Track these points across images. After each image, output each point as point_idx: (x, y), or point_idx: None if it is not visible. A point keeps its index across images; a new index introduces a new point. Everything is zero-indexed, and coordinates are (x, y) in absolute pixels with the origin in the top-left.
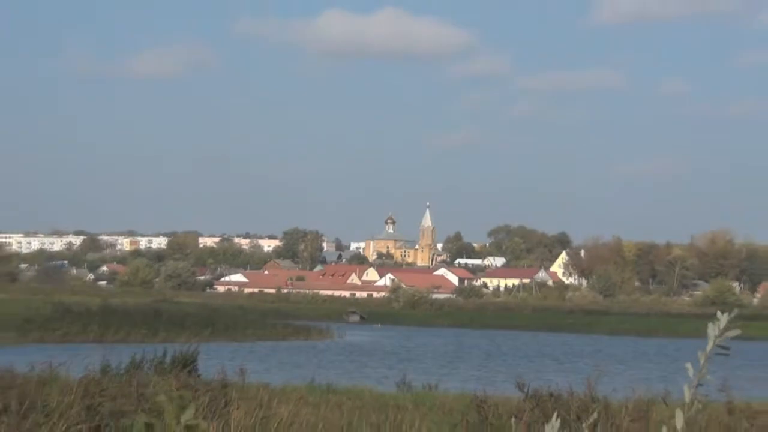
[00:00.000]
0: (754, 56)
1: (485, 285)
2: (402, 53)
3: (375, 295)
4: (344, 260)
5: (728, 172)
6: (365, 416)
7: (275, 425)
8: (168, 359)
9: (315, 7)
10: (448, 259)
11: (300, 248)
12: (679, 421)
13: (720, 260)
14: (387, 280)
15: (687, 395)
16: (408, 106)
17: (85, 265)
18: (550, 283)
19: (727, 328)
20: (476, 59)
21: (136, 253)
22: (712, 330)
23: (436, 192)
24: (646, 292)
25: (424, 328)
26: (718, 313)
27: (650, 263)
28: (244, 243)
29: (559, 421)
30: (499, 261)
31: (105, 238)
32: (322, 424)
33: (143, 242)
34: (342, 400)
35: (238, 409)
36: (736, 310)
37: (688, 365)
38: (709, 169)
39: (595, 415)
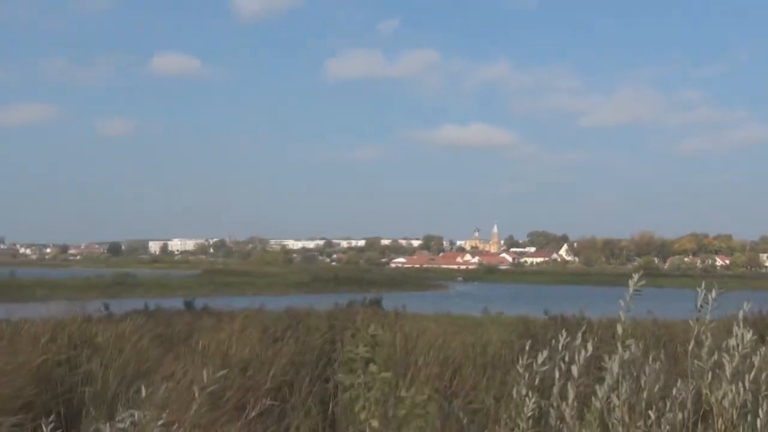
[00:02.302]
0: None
1: (525, 261)
2: (482, 145)
3: (470, 267)
4: (454, 250)
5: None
6: (466, 328)
7: (420, 332)
8: (367, 300)
9: (438, 123)
10: (506, 248)
11: (431, 244)
12: (619, 329)
13: (645, 246)
14: (476, 260)
15: (622, 316)
16: (485, 173)
17: (325, 254)
18: (559, 260)
19: (636, 283)
20: (517, 148)
21: (349, 249)
22: (631, 282)
23: (500, 214)
24: (608, 264)
25: (496, 284)
26: (633, 274)
27: (610, 249)
28: (403, 242)
29: (565, 332)
30: (532, 249)
31: (335, 240)
32: (445, 331)
33: (354, 242)
34: (455, 320)
35: (401, 325)
36: (642, 273)
37: (621, 301)
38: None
39: (584, 326)
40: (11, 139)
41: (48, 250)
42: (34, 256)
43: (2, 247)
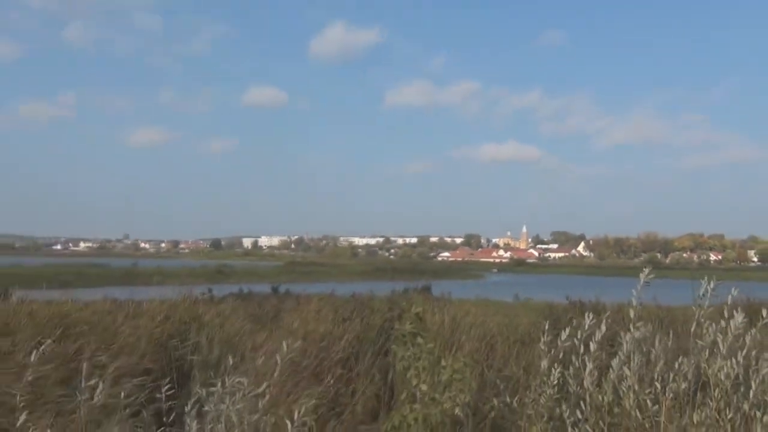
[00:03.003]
0: None
1: (549, 256)
2: (514, 159)
3: (503, 261)
4: (490, 246)
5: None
6: (500, 310)
7: (463, 314)
8: (419, 287)
9: (478, 141)
10: (533, 245)
11: (471, 241)
12: (632, 312)
13: (650, 244)
14: (508, 254)
15: (634, 302)
16: (516, 182)
17: (384, 249)
18: (577, 255)
19: (646, 276)
20: (543, 161)
21: (404, 245)
22: (642, 275)
23: (528, 216)
24: (619, 258)
25: (525, 274)
26: (644, 269)
27: (620, 246)
28: (448, 239)
29: (588, 314)
30: (555, 246)
31: (392, 238)
32: (483, 313)
33: (407, 240)
34: (491, 304)
35: (448, 308)
36: (651, 267)
37: (633, 290)
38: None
39: (608, 313)
40: (136, 156)
41: (163, 245)
42: (152, 250)
43: (127, 242)
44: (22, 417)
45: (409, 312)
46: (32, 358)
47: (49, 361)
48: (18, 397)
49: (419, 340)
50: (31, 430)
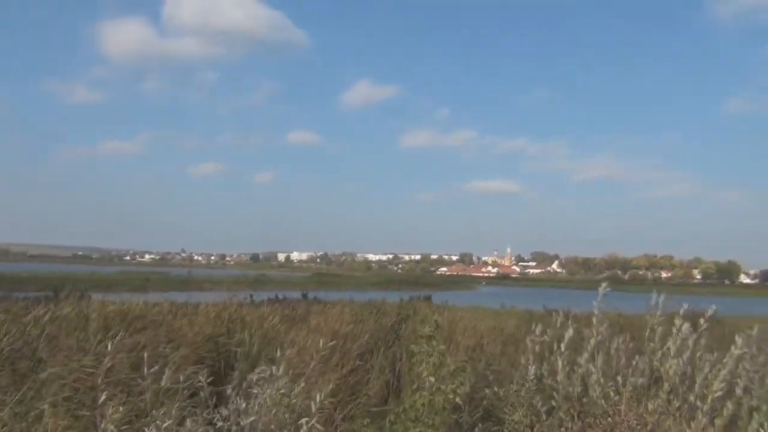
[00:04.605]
0: None
1: (529, 272)
2: (502, 193)
3: (491, 275)
4: (480, 263)
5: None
6: (489, 316)
7: (459, 319)
8: (422, 296)
9: (473, 178)
10: (516, 263)
11: (465, 258)
12: (594, 319)
13: (612, 263)
14: (495, 270)
15: (596, 310)
16: (503, 211)
17: (393, 264)
18: (552, 271)
19: (603, 289)
20: (525, 195)
21: (410, 261)
22: (601, 289)
23: (512, 239)
24: (586, 275)
25: (509, 287)
26: (602, 284)
27: (587, 264)
28: (446, 257)
29: (562, 314)
30: (533, 263)
31: (400, 254)
32: (475, 318)
33: (412, 257)
34: (481, 310)
35: (446, 313)
36: (607, 282)
37: (594, 302)
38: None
39: (570, 320)
40: (195, 186)
41: (212, 257)
42: (203, 261)
43: (183, 254)
44: (103, 396)
45: (431, 318)
46: (108, 347)
47: (121, 350)
48: (99, 379)
49: (434, 342)
50: (109, 406)
